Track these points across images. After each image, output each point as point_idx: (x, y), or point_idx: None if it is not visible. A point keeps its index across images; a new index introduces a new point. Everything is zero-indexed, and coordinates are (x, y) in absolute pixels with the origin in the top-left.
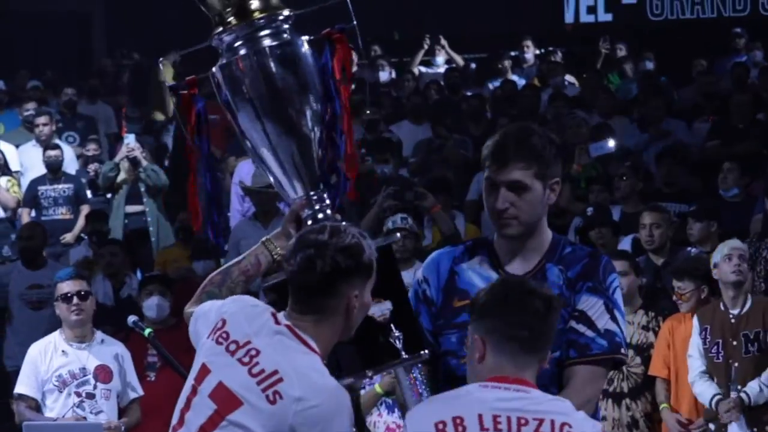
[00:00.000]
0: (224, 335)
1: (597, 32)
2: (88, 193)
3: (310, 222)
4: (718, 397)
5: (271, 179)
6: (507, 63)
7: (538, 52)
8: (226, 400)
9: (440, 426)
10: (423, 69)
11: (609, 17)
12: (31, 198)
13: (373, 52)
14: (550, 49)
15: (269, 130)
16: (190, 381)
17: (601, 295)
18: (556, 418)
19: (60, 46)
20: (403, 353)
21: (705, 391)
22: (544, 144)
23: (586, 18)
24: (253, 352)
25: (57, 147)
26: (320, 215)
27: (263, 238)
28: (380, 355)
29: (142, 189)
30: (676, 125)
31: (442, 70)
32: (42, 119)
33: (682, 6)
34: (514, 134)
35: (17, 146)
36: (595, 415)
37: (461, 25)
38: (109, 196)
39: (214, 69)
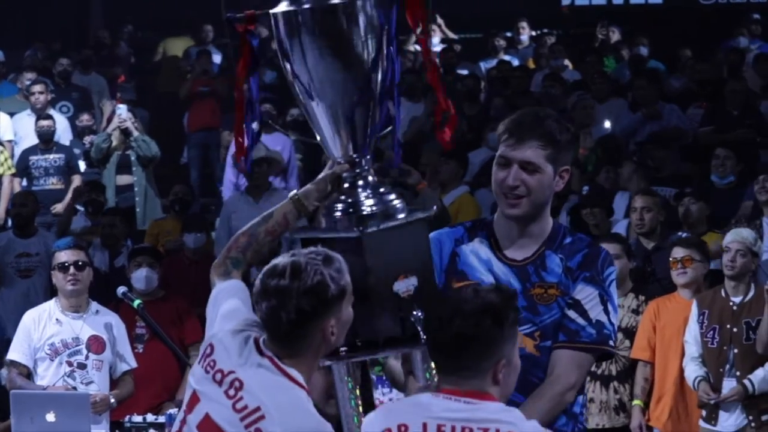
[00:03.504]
0: (211, 363)
1: (593, 15)
2: (81, 165)
3: (347, 185)
4: (699, 378)
5: (318, 136)
6: (501, 43)
7: (533, 33)
8: None
9: None
10: (418, 48)
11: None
12: (23, 168)
13: None
14: (546, 31)
15: (322, 80)
16: (183, 407)
17: (597, 286)
18: (502, 427)
19: (58, 17)
20: (423, 337)
21: (691, 373)
22: (561, 129)
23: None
24: (237, 384)
25: (49, 117)
26: (360, 181)
27: (292, 194)
28: (399, 333)
29: (132, 158)
30: (669, 110)
31: (437, 49)
32: (38, 87)
33: None
34: (531, 114)
35: (12, 115)
36: (575, 402)
37: (457, 5)
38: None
39: (275, 10)
